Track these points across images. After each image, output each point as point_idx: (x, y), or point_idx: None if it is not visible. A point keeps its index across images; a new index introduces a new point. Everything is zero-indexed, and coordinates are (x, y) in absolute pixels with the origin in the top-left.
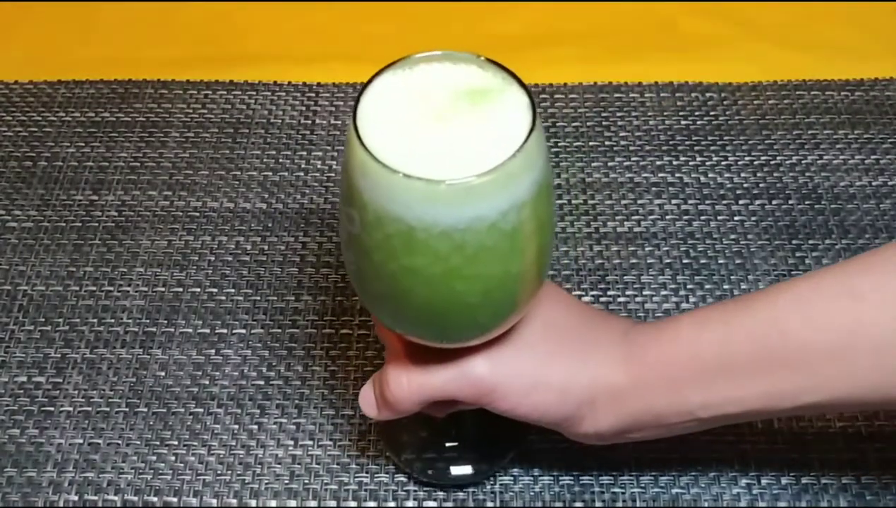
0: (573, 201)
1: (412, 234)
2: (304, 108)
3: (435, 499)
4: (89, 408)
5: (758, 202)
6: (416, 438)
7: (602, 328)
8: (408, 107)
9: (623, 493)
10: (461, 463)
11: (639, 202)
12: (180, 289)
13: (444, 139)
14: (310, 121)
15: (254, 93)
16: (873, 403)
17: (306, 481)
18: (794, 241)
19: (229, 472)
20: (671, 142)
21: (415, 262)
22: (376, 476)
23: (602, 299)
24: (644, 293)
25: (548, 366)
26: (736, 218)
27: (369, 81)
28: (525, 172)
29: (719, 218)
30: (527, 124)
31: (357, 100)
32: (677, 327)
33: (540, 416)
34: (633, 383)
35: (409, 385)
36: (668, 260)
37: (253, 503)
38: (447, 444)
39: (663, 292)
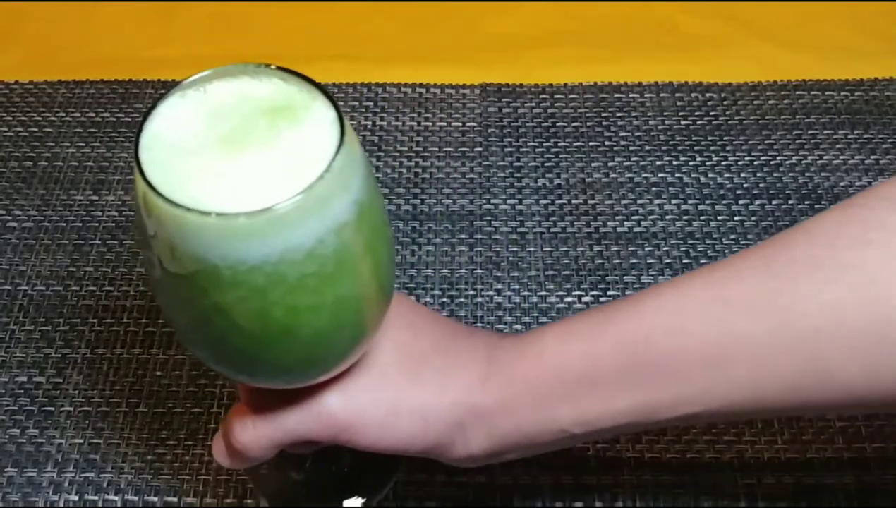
0: (573, 201)
1: (218, 273)
2: None
3: (435, 499)
4: (89, 408)
5: (758, 202)
6: (287, 479)
7: (462, 346)
8: (198, 132)
9: (623, 493)
10: (332, 498)
11: (639, 202)
12: None
13: (243, 165)
14: None
15: None
16: (752, 412)
17: None
18: None
19: (229, 472)
20: (671, 142)
21: (229, 301)
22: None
23: (602, 299)
24: None
25: (405, 393)
26: (736, 218)
27: (153, 106)
28: (339, 193)
29: (719, 218)
30: (334, 141)
31: (139, 128)
32: (541, 341)
33: (406, 446)
34: (500, 403)
35: (256, 430)
36: (668, 261)
37: (252, 502)
38: (320, 482)
39: None
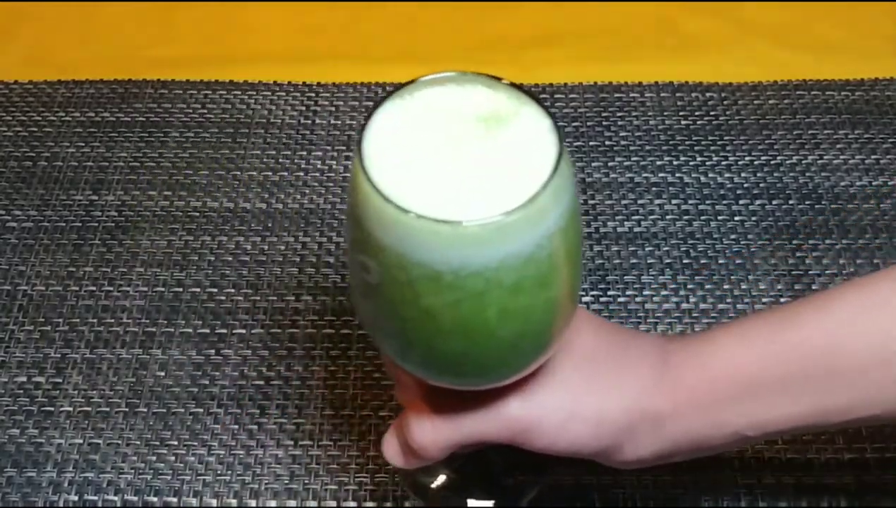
0: None
1: (439, 278)
2: (304, 108)
3: None
4: (89, 408)
5: (758, 202)
6: (436, 473)
7: (635, 350)
8: (416, 139)
9: (623, 493)
10: (482, 498)
11: (639, 202)
12: (180, 289)
13: (462, 172)
14: (310, 121)
15: (254, 93)
16: None
17: (306, 481)
18: (794, 241)
19: (229, 472)
20: (671, 142)
21: (444, 304)
22: (376, 476)
23: (602, 299)
24: (644, 293)
25: (582, 397)
26: (736, 218)
27: (370, 114)
28: (560, 199)
29: (719, 218)
30: (552, 148)
31: (360, 137)
32: (716, 344)
33: (577, 450)
34: (673, 407)
35: (436, 432)
36: (668, 260)
37: (253, 503)
38: (468, 479)
39: (663, 292)
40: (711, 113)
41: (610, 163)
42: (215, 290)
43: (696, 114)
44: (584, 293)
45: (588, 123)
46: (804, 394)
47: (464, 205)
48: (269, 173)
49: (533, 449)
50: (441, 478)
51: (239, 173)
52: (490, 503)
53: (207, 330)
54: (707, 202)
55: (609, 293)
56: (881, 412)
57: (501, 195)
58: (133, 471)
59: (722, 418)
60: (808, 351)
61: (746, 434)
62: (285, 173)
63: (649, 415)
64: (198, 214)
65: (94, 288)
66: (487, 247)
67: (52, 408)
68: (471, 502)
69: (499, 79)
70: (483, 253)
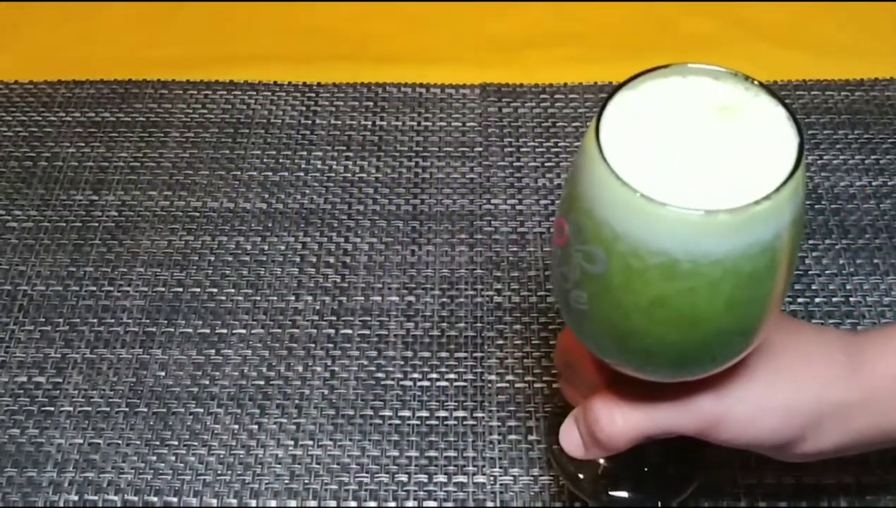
0: None
1: (676, 266)
2: (304, 108)
3: (435, 499)
4: (89, 408)
5: None
6: (591, 466)
7: (819, 342)
8: (653, 129)
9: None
10: (639, 492)
11: None
12: (180, 289)
13: (701, 161)
14: (310, 121)
15: (254, 93)
16: None
17: (306, 481)
18: None
19: (229, 472)
20: None
21: (675, 291)
22: (376, 476)
23: None
24: None
25: (770, 390)
26: None
27: (603, 105)
28: (799, 189)
29: None
30: (793, 137)
31: (597, 125)
32: None
33: (762, 442)
34: (862, 397)
35: (625, 422)
36: None
37: (253, 503)
38: (620, 469)
39: None
40: None
41: None
42: (215, 290)
43: None
44: None
45: (588, 123)
46: None
47: (706, 194)
48: (269, 173)
49: (717, 442)
50: (592, 469)
51: (239, 173)
52: (637, 495)
53: (207, 330)
54: None
55: None
56: None
57: (742, 184)
58: (133, 471)
59: None
60: None
61: None
62: (285, 173)
63: (838, 406)
64: (198, 214)
65: (94, 288)
66: (735, 235)
67: (52, 408)
68: (619, 493)
69: (725, 70)
70: (730, 241)
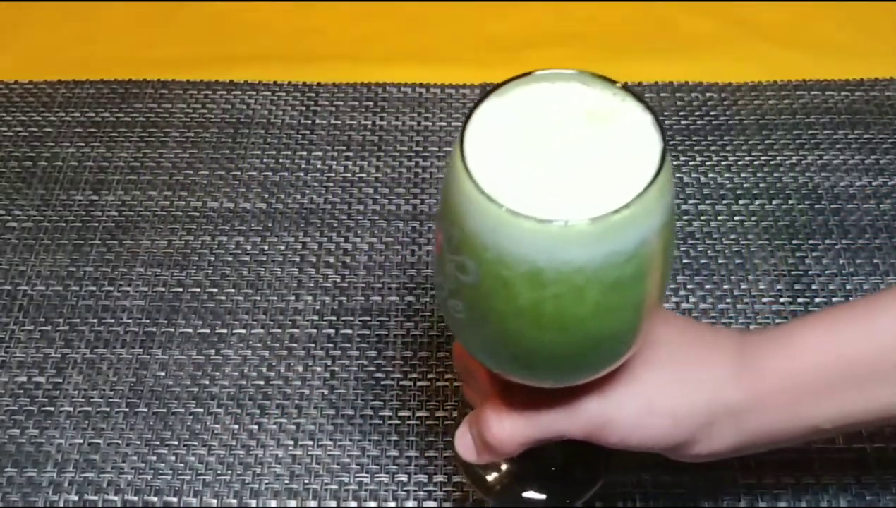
0: None
1: (540, 274)
2: (304, 108)
3: (435, 499)
4: (89, 408)
5: (758, 202)
6: (494, 465)
7: (711, 343)
8: (518, 137)
9: (623, 493)
10: (542, 493)
11: None
12: (180, 289)
13: (565, 169)
14: (310, 121)
15: (254, 93)
16: None
17: (306, 481)
18: (794, 241)
19: (229, 472)
20: (671, 143)
21: (541, 299)
22: (376, 476)
23: None
24: None
25: (658, 392)
26: (736, 218)
27: (469, 114)
28: (664, 194)
29: (719, 218)
30: (654, 144)
31: (461, 136)
32: (800, 334)
33: (651, 445)
34: (752, 399)
35: (513, 427)
36: None
37: (253, 503)
38: (525, 472)
39: None
40: (711, 113)
41: None
42: (215, 290)
43: (696, 114)
44: None
45: None
46: (887, 386)
47: (570, 202)
48: (269, 173)
49: (606, 445)
50: (499, 471)
51: (239, 173)
52: (544, 496)
53: (207, 330)
54: (707, 202)
55: None
56: None
57: (606, 191)
58: (133, 471)
59: (804, 412)
60: (892, 343)
61: (824, 427)
62: (285, 173)
63: (729, 408)
64: (198, 214)
65: (94, 288)
66: (596, 243)
67: (52, 408)
68: (526, 494)
69: (597, 75)
70: (591, 250)
